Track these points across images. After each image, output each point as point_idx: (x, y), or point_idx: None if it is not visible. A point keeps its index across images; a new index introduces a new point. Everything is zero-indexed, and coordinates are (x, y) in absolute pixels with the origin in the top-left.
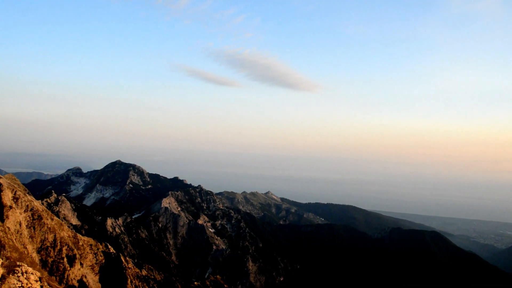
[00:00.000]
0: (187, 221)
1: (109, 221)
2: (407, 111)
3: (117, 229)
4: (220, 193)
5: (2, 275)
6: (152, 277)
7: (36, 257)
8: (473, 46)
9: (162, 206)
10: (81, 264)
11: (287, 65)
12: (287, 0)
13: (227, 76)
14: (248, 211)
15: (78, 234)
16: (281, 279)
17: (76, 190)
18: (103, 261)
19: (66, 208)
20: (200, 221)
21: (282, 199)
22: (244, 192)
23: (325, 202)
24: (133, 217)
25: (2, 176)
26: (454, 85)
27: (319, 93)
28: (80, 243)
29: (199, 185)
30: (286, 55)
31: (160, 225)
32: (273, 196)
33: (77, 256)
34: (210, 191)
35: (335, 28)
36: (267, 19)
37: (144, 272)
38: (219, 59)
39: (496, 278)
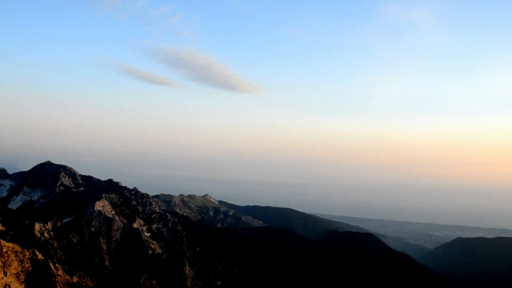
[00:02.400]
0: (122, 225)
1: (37, 226)
2: (345, 116)
3: (46, 234)
4: (156, 196)
5: None
6: (84, 283)
7: None
8: (407, 53)
9: (95, 209)
10: (5, 273)
11: (227, 66)
12: (229, 0)
13: (165, 75)
14: (185, 214)
15: (1, 240)
16: (219, 283)
17: (0, 193)
18: (30, 268)
19: None
20: (135, 225)
21: (220, 202)
22: (181, 194)
23: (264, 205)
24: (64, 221)
25: None
26: (389, 91)
27: (259, 96)
28: (4, 250)
29: (135, 188)
30: (226, 56)
31: (92, 229)
32: (211, 199)
33: (0, 264)
34: (146, 194)
35: (277, 31)
36: (207, 19)
37: (75, 279)
38: (156, 58)
39: (425, 276)
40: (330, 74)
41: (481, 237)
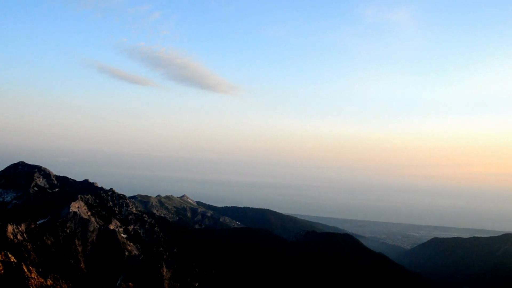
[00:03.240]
0: (98, 226)
1: (10, 228)
2: (324, 117)
3: (19, 236)
4: (133, 197)
5: None
6: (59, 286)
7: None
8: (387, 54)
9: (70, 210)
10: None
11: (205, 66)
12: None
13: (142, 74)
14: (162, 215)
15: None
16: (196, 285)
17: None
18: (2, 271)
19: None
20: (111, 226)
21: (198, 203)
22: (158, 195)
23: (242, 206)
24: (38, 222)
25: None
26: (368, 92)
27: (237, 96)
28: None
29: (111, 188)
30: (204, 56)
31: (67, 231)
32: (189, 200)
33: None
34: (122, 195)
35: (255, 31)
36: (185, 18)
37: (49, 282)
38: (133, 56)
39: (401, 276)
40: (310, 75)
41: (457, 237)
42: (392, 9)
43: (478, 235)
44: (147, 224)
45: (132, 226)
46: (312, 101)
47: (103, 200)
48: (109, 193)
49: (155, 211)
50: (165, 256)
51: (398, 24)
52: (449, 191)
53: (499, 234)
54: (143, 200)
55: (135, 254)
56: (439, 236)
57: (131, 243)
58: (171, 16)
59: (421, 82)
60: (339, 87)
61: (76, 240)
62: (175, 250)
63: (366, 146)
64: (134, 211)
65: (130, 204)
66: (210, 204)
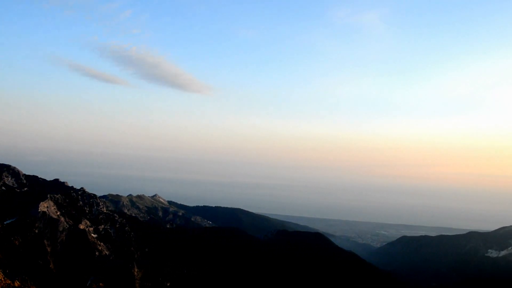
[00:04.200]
0: (67, 226)
1: None
2: (296, 117)
3: None
4: (104, 196)
5: None
6: (27, 287)
7: None
8: (358, 56)
9: (39, 210)
10: None
11: (177, 65)
12: None
13: (113, 73)
14: (133, 215)
15: None
16: (168, 284)
17: None
18: None
19: None
20: (81, 226)
21: (170, 202)
22: (130, 195)
23: (213, 205)
24: (6, 223)
25: None
26: (340, 93)
27: (210, 95)
28: None
29: (82, 188)
30: (176, 55)
31: (36, 231)
32: (161, 199)
33: None
34: (93, 194)
35: (228, 31)
36: (156, 17)
37: (17, 283)
38: (104, 55)
39: (371, 274)
40: (283, 76)
41: (425, 235)
42: (363, 11)
43: (445, 233)
44: (118, 223)
45: (102, 226)
46: (285, 102)
47: (73, 199)
48: (79, 192)
49: (126, 211)
50: (136, 256)
51: (369, 26)
52: (417, 190)
53: (465, 232)
54: (114, 200)
55: (106, 254)
56: (407, 235)
57: (102, 243)
58: (142, 14)
59: (392, 83)
60: (312, 88)
61: (45, 241)
62: (146, 249)
63: (337, 146)
64: (105, 211)
65: (100, 204)
66: (182, 203)
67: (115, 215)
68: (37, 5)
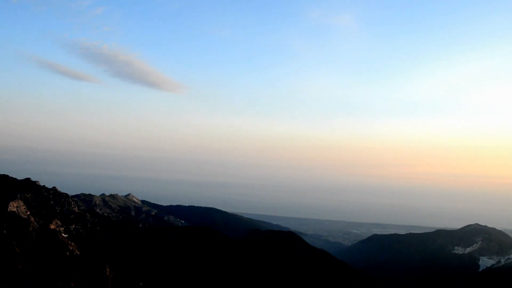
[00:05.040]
0: (37, 226)
1: None
2: (269, 116)
3: None
4: (76, 196)
5: None
6: None
7: None
8: (331, 57)
9: (9, 210)
10: None
11: (149, 63)
12: None
13: (84, 70)
14: (106, 214)
15: None
16: (141, 284)
17: None
18: None
19: None
20: (52, 226)
21: (143, 202)
22: (103, 194)
23: (187, 205)
24: None
25: None
26: (313, 92)
27: (183, 94)
28: None
29: (54, 187)
30: (148, 53)
31: (5, 232)
32: (134, 199)
33: None
34: (65, 194)
35: (202, 30)
36: (128, 14)
37: None
38: (75, 52)
39: (342, 271)
40: (255, 75)
41: (394, 234)
42: (337, 12)
43: (414, 231)
44: (89, 223)
45: (73, 226)
46: (258, 101)
47: (45, 199)
48: (51, 191)
49: (98, 210)
50: (108, 256)
51: (342, 27)
52: (387, 190)
53: (433, 230)
54: (86, 199)
55: (77, 254)
56: (378, 233)
57: (73, 243)
58: (114, 12)
59: (363, 84)
60: (285, 88)
61: (14, 241)
62: (119, 249)
63: (309, 145)
64: (76, 210)
65: (72, 203)
66: (156, 202)
67: (87, 214)
68: (5, 1)
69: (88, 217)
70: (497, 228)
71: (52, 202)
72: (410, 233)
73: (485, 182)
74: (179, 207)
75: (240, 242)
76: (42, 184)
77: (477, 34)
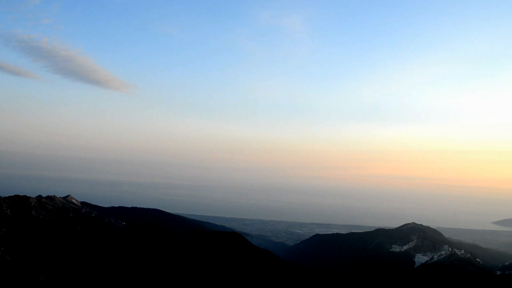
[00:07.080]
0: None
1: None
2: (215, 116)
3: None
4: (10, 198)
5: None
6: None
7: None
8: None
9: None
10: None
11: (94, 60)
12: None
13: (20, 65)
14: (41, 217)
15: None
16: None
17: None
18: None
19: None
20: None
21: (83, 203)
22: (39, 196)
23: (129, 206)
24: None
25: None
26: (262, 95)
27: (131, 93)
28: None
29: None
30: (92, 49)
31: None
32: (73, 200)
33: None
34: None
35: (150, 28)
36: (69, 6)
37: None
38: (9, 45)
39: (285, 269)
40: (205, 76)
41: (336, 233)
42: (286, 13)
43: (355, 231)
44: (23, 226)
45: (4, 230)
46: (205, 102)
47: None
48: None
49: (33, 213)
50: (43, 260)
51: (291, 29)
52: (330, 191)
53: (372, 229)
54: (20, 201)
55: (7, 259)
56: (320, 233)
57: (2, 248)
58: (52, 3)
59: (310, 86)
60: (232, 89)
61: None
62: (55, 253)
63: (254, 147)
64: (8, 213)
65: (4, 206)
66: (96, 204)
67: (21, 217)
68: None
69: (22, 220)
70: (431, 227)
71: None
72: (351, 233)
73: (421, 183)
74: (121, 208)
75: (183, 243)
76: None
77: (428, 40)
